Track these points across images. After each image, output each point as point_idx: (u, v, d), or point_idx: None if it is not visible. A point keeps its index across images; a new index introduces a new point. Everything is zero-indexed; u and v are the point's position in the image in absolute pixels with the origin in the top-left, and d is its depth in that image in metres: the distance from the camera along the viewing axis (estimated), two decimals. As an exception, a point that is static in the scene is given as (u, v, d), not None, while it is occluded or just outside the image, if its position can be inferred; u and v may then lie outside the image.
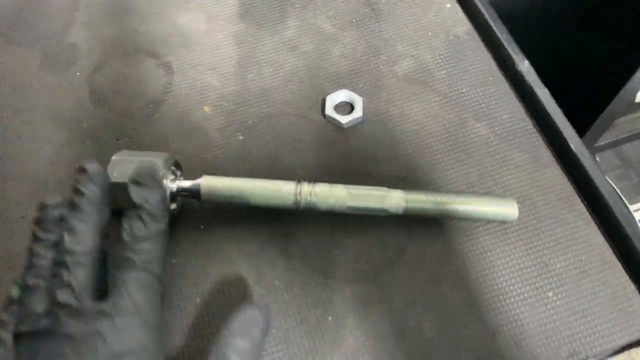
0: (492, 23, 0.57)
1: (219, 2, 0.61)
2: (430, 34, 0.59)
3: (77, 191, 0.35)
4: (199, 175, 0.45)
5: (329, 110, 0.53)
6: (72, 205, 0.35)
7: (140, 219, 0.35)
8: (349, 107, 0.54)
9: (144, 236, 0.35)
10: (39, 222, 0.35)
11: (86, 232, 0.34)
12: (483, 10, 0.58)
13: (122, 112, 0.54)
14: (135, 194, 0.36)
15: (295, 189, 0.44)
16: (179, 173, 0.47)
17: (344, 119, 0.52)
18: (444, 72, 0.56)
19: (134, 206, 0.36)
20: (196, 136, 0.53)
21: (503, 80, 0.56)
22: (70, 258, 0.33)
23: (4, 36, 0.60)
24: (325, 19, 0.60)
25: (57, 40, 0.59)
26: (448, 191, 0.49)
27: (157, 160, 0.44)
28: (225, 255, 0.46)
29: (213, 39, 0.59)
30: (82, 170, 0.36)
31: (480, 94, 0.55)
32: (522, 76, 0.54)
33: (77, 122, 0.54)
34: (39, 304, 0.33)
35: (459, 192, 0.48)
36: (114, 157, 0.45)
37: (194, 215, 0.48)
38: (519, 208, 0.46)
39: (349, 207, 0.45)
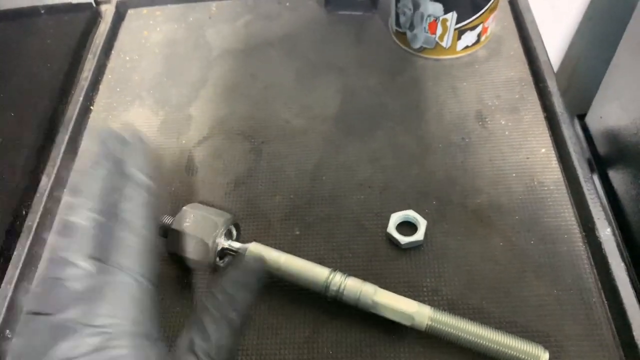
0: (582, 178, 0.54)
1: (321, 105, 0.66)
2: (514, 175, 0.57)
3: None
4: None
5: (391, 229, 0.53)
6: None
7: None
8: (410, 228, 0.54)
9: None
10: None
11: None
12: (576, 162, 0.55)
13: (206, 185, 0.60)
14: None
15: (328, 275, 0.47)
16: (235, 234, 0.53)
17: (403, 240, 0.52)
18: (517, 217, 0.54)
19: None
20: (259, 221, 0.56)
21: (578, 242, 0.52)
22: None
23: (140, 98, 0.70)
24: (414, 138, 0.62)
25: (179, 109, 0.68)
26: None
27: (218, 218, 0.50)
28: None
29: (305, 136, 0.63)
30: None
31: (549, 250, 0.51)
32: (600, 243, 0.50)
33: (167, 185, 0.61)
34: None
35: (491, 328, 0.45)
36: (184, 208, 0.51)
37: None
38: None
39: (373, 310, 0.46)
